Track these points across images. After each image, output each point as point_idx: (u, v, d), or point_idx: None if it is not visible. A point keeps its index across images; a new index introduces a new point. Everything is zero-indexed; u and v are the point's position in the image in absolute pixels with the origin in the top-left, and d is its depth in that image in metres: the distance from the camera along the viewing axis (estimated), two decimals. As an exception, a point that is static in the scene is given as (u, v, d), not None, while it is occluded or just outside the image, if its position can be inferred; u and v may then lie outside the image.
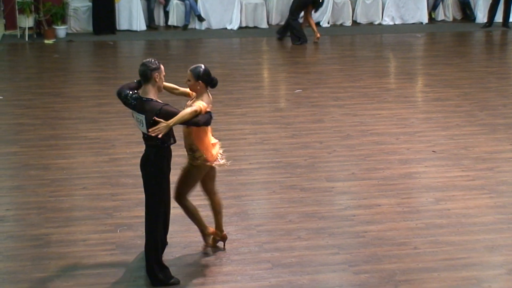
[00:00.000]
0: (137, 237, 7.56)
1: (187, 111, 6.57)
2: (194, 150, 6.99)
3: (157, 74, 6.56)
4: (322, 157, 9.83)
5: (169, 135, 6.61)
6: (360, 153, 9.96)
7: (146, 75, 6.55)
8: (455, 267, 7.12)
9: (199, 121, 6.64)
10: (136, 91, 6.72)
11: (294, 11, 16.52)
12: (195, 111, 6.59)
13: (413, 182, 9.13)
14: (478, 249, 7.48)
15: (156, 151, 6.63)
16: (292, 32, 16.49)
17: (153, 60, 6.60)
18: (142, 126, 6.57)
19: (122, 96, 6.69)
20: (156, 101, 6.56)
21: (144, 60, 6.60)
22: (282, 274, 6.96)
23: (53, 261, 7.13)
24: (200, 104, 6.66)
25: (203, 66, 6.90)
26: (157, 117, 6.44)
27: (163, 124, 6.44)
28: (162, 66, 6.65)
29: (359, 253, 7.37)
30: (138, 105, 6.57)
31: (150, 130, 6.44)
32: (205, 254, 7.30)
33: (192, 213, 7.25)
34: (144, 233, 7.13)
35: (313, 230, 7.82)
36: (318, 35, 16.50)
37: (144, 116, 6.50)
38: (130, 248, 7.37)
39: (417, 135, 10.68)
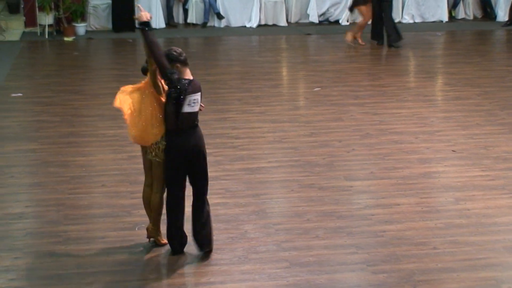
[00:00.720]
0: (155, 235, 7.56)
1: None
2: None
3: None
4: (341, 156, 9.80)
5: None
6: (379, 152, 9.92)
7: (187, 58, 6.90)
8: (474, 267, 7.07)
9: None
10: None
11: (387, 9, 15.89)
12: None
13: (433, 182, 9.08)
14: (498, 249, 7.43)
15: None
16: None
17: (177, 48, 6.90)
18: (195, 104, 6.84)
19: (176, 85, 6.77)
20: None
21: (177, 50, 6.82)
22: (300, 273, 6.95)
23: (72, 258, 7.15)
24: None
25: None
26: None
27: None
28: None
29: (378, 252, 7.34)
30: (193, 86, 6.85)
31: (202, 105, 6.97)
32: (223, 252, 7.29)
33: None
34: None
35: (331, 229, 7.80)
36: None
37: (200, 93, 6.89)
38: (149, 246, 7.37)
39: (437, 134, 10.62)
